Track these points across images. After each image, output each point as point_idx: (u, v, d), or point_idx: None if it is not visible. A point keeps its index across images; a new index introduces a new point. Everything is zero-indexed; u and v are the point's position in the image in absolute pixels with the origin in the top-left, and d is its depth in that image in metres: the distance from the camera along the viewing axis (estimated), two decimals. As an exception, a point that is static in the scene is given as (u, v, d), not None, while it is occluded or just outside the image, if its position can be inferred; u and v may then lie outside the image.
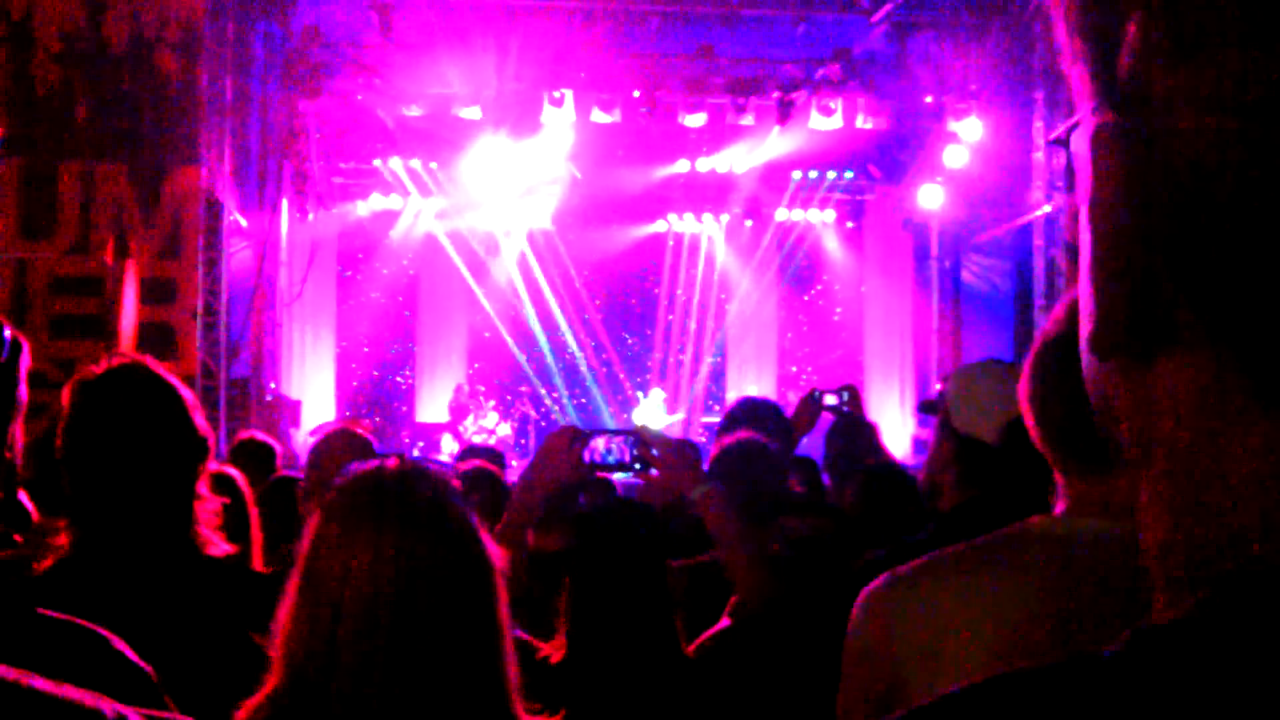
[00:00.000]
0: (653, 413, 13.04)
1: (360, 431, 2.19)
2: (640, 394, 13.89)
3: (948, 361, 12.63)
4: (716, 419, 13.53)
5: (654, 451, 1.73)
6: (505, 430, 12.71)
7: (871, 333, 14.44)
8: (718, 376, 15.05)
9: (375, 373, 14.02)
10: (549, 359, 14.77)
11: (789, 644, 1.58)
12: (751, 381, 14.15)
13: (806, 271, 14.62)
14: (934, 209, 12.05)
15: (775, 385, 14.42)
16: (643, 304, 15.41)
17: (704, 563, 1.87)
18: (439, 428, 12.52)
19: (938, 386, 10.00)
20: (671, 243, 14.64)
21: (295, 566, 1.01)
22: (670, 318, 15.02)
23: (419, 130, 10.89)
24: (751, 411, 2.42)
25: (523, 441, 12.85)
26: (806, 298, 15.00)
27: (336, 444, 2.12)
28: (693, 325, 15.03)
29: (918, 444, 11.87)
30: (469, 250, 13.76)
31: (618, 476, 2.28)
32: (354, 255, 13.52)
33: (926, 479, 1.48)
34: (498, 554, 1.05)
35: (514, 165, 11.78)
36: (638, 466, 1.77)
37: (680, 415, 13.43)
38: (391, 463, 1.10)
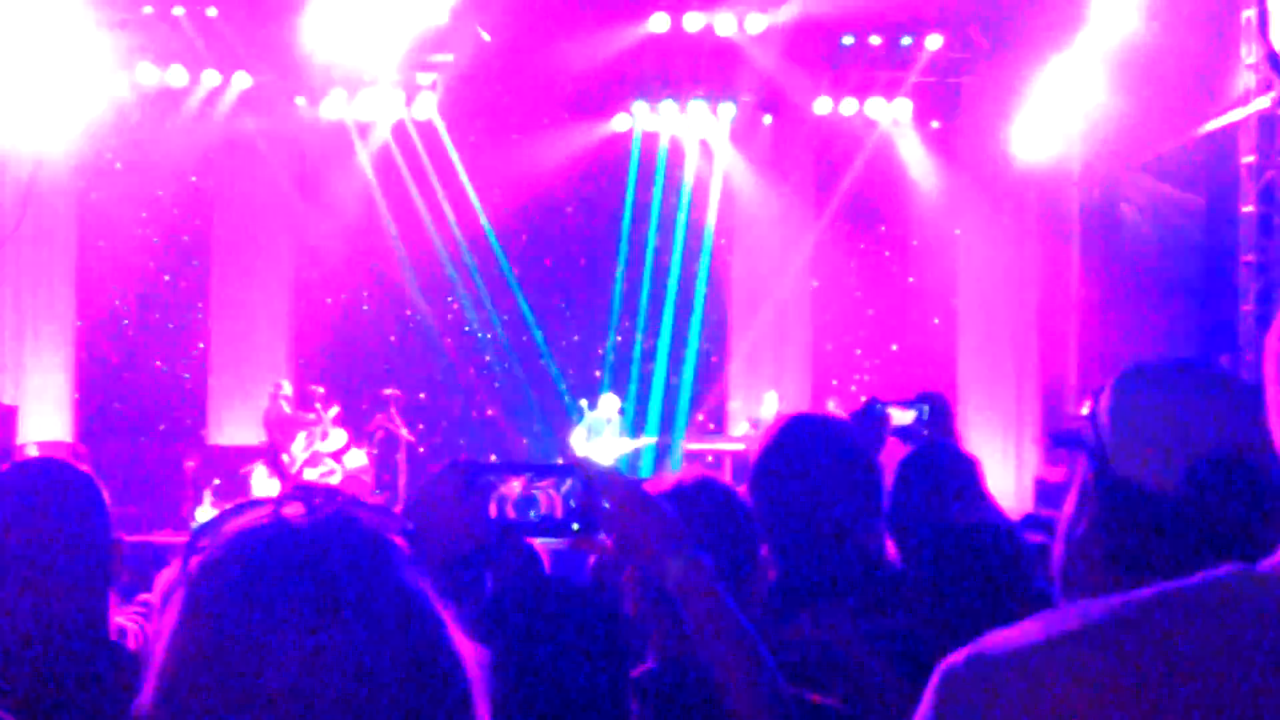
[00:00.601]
0: (604, 435, 13.24)
1: (72, 463, 2.20)
2: (584, 403, 13.84)
3: (1096, 360, 12.77)
4: (712, 445, 13.57)
5: (604, 503, 1.83)
6: (358, 460, 12.90)
7: (968, 310, 14.65)
8: (712, 375, 15.28)
9: (137, 364, 14.46)
10: (435, 343, 15.11)
11: None
12: (766, 383, 14.27)
13: (861, 203, 14.85)
14: (1073, 104, 12.39)
15: (807, 391, 14.70)
16: (590, 253, 15.72)
17: (683, 669, 1.98)
18: (247, 455, 12.76)
19: (1084, 408, 10.35)
20: (639, 151, 14.84)
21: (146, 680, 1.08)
22: (635, 278, 15.34)
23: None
24: (695, 499, 2.32)
25: (386, 478, 13.24)
26: (861, 246, 15.26)
27: None
28: (672, 291, 15.27)
29: (1043, 491, 11.86)
30: (301, 158, 14.31)
31: (543, 542, 2.49)
32: (105, 168, 13.76)
33: (1061, 550, 1.55)
34: (470, 654, 1.12)
35: (375, 16, 12.33)
36: (577, 527, 1.89)
37: (648, 439, 13.80)
38: (293, 508, 1.13)
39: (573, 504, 1.92)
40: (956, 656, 0.96)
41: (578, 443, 13.36)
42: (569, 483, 2.04)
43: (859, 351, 15.25)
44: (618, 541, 1.83)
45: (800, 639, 2.15)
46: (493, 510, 1.90)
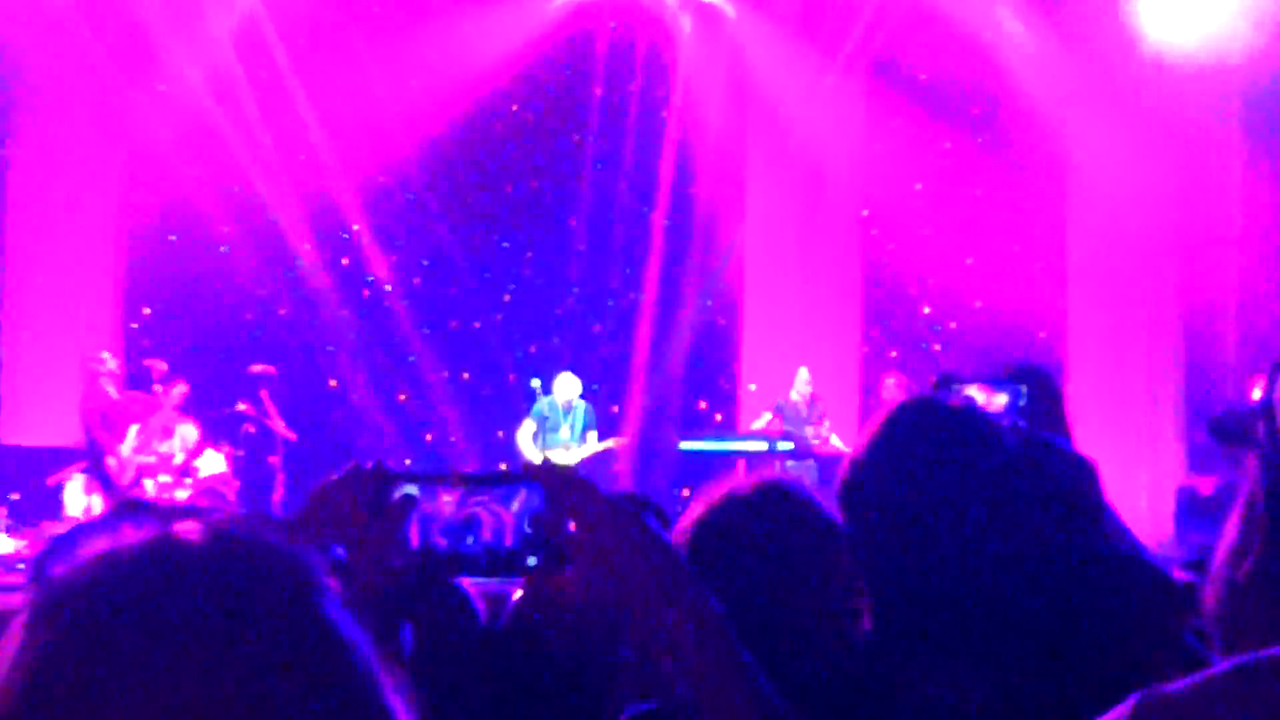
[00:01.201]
0: (561, 430, 13.60)
1: None
2: (536, 384, 14.18)
3: (1265, 324, 13.39)
4: (719, 444, 13.94)
5: (566, 524, 1.96)
6: (214, 464, 13.21)
7: (1081, 252, 15.12)
8: (719, 345, 15.86)
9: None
10: (323, 301, 15.61)
11: None
12: (795, 356, 14.54)
13: (932, 99, 15.23)
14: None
15: (855, 367, 15.21)
16: (544, 174, 16.35)
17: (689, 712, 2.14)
18: (59, 459, 13.06)
19: (1254, 390, 10.51)
20: (612, 25, 15.42)
21: None
22: (606, 208, 15.86)
23: None
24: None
25: (255, 489, 13.59)
26: (931, 161, 15.66)
27: None
28: (659, 226, 15.71)
29: (1190, 507, 11.99)
30: (132, 30, 14.35)
31: (481, 583, 2.68)
32: None
33: (1221, 592, 1.64)
34: (401, 705, 1.24)
35: None
36: (534, 561, 2.00)
37: (615, 440, 14.11)
38: (186, 526, 1.23)
39: (529, 528, 2.01)
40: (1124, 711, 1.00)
41: (525, 441, 13.49)
42: (522, 497, 2.10)
43: (928, 310, 15.54)
44: (593, 582, 1.93)
45: (910, 706, 2.25)
46: (413, 537, 1.98)
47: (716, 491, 2.47)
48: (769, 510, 2.39)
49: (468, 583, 3.12)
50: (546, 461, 2.09)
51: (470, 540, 2.11)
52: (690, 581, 1.97)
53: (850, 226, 15.17)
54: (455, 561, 2.12)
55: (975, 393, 3.54)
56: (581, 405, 13.65)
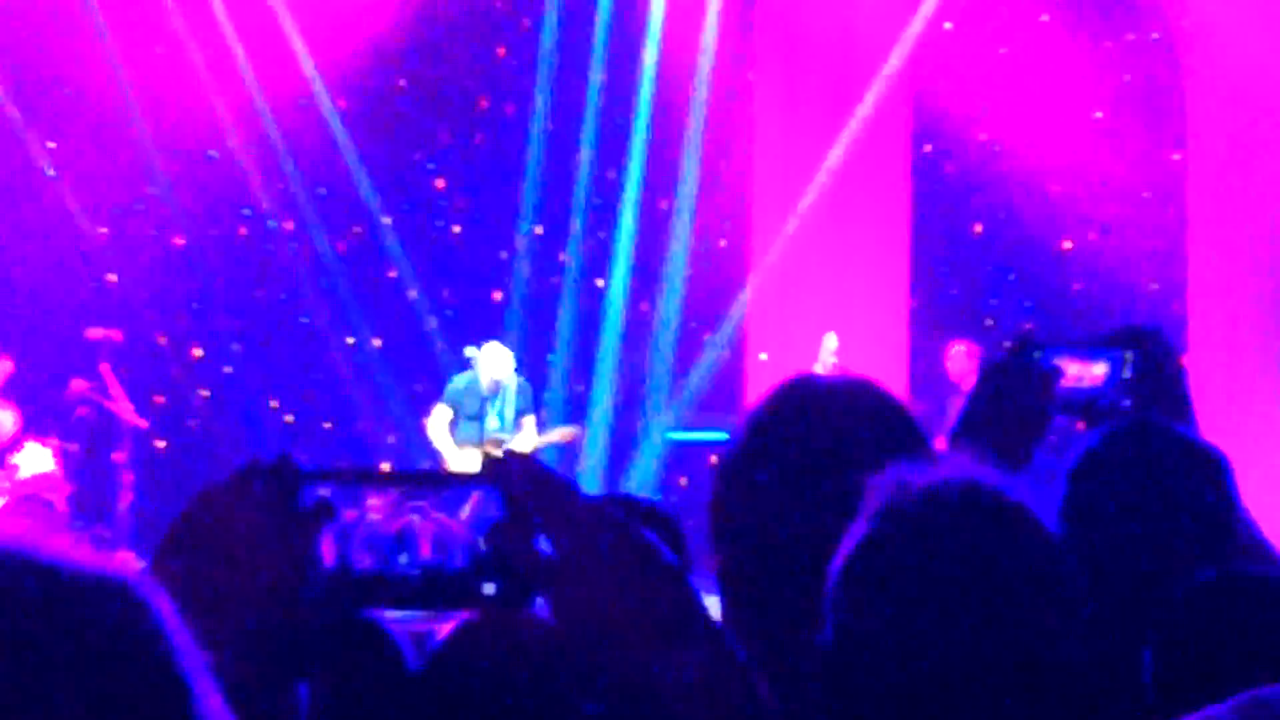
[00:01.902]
0: (489, 418, 13.90)
1: None
2: (471, 351, 14.50)
3: None
4: (706, 435, 14.48)
5: (535, 539, 2.00)
6: (40, 462, 13.34)
7: (1206, 176, 15.25)
8: (718, 299, 16.17)
9: None
10: (186, 240, 15.87)
11: None
12: (821, 320, 14.82)
13: None
14: None
15: (903, 330, 15.60)
16: (492, 93, 16.66)
17: None
18: None
19: None
20: None
21: None
22: (567, 128, 16.34)
23: None
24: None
25: (91, 492, 13.80)
26: (1003, 52, 15.82)
27: None
28: (638, 153, 16.08)
29: None
30: None
31: (411, 619, 2.75)
32: None
33: None
34: None
35: None
36: (486, 587, 2.04)
37: (565, 430, 14.66)
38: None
39: (484, 544, 2.03)
40: None
41: (437, 432, 13.64)
42: (474, 503, 2.24)
43: (1002, 254, 15.65)
44: (570, 617, 1.97)
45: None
46: (325, 555, 2.00)
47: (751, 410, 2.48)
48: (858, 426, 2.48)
49: (394, 613, 3.01)
50: (510, 454, 2.07)
51: (404, 560, 2.09)
52: (705, 616, 1.97)
53: (897, 136, 15.46)
54: (383, 588, 2.09)
55: (1069, 361, 3.71)
56: (513, 384, 13.75)
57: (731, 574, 2.64)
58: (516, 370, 13.80)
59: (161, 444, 13.98)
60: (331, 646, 2.76)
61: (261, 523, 1.98)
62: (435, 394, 14.56)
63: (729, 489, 2.65)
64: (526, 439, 13.58)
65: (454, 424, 13.49)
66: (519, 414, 13.65)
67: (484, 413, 13.54)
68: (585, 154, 16.00)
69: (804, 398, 2.69)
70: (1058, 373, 3.65)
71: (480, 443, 13.33)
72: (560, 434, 14.18)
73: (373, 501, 2.06)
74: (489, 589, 2.01)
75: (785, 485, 2.59)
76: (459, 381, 13.79)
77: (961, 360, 13.48)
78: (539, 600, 2.03)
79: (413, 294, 16.03)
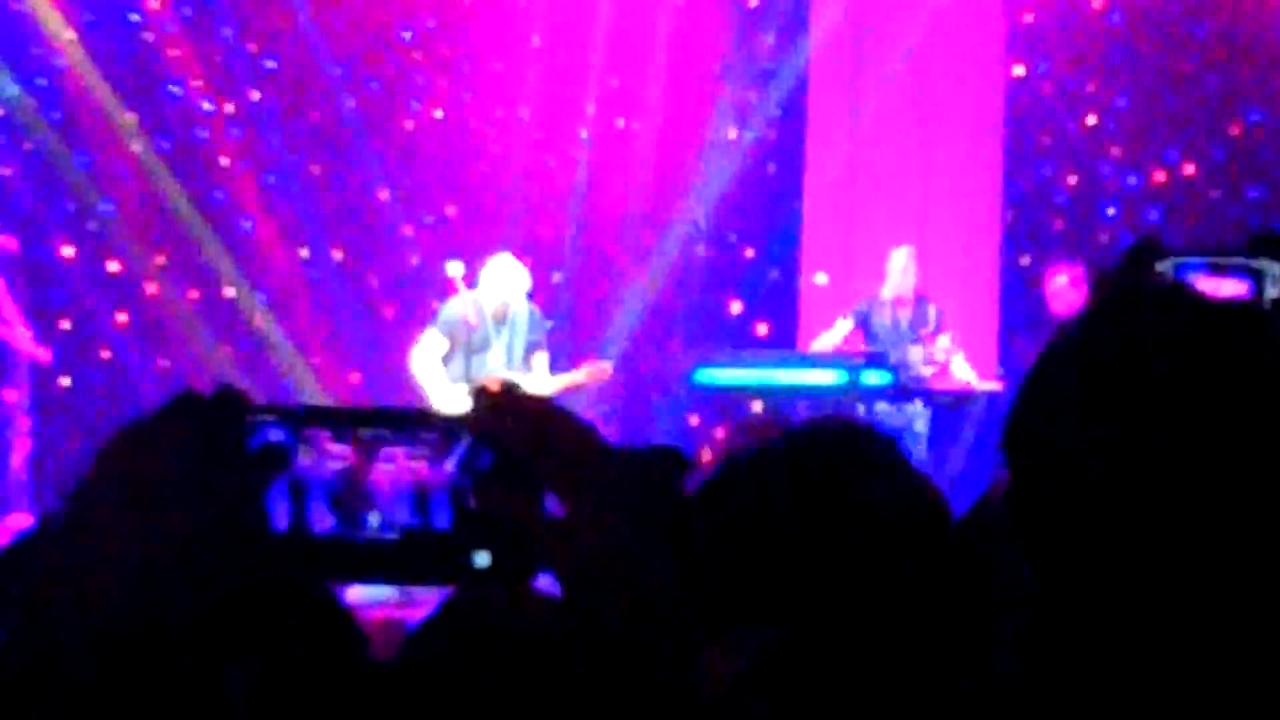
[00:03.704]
0: (492, 351, 14.10)
1: None
2: (454, 268, 14.41)
3: None
4: (747, 374, 14.38)
5: (540, 496, 2.05)
6: None
7: None
8: (765, 205, 16.52)
9: None
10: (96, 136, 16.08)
11: None
12: (890, 234, 15.07)
13: None
14: None
15: (993, 245, 15.77)
16: None
17: None
18: None
19: None
20: None
21: None
22: None
23: None
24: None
25: None
26: None
27: None
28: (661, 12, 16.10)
29: None
30: None
31: (377, 595, 3.07)
32: None
33: None
34: None
35: None
36: (478, 557, 2.07)
37: (590, 369, 14.70)
38: None
39: (474, 501, 2.04)
40: None
41: (425, 365, 13.62)
42: (461, 450, 2.12)
43: (1118, 152, 15.51)
44: (589, 596, 1.98)
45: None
46: (280, 514, 2.01)
47: (737, 449, 2.56)
48: (824, 480, 2.48)
49: (358, 594, 3.26)
50: (508, 387, 2.05)
51: (375, 521, 2.05)
52: (741, 604, 2.22)
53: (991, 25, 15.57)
54: (348, 555, 2.07)
55: (1201, 277, 3.76)
56: (524, 311, 13.72)
57: None
58: (528, 295, 13.75)
59: (67, 381, 14.27)
60: (279, 626, 2.88)
61: (196, 471, 1.95)
62: (410, 322, 14.68)
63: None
64: (539, 380, 13.51)
65: (449, 356, 13.44)
66: (529, 349, 13.62)
67: (486, 343, 13.46)
68: (594, 24, 16.19)
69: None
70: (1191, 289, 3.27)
71: (474, 379, 13.27)
72: (587, 373, 14.08)
73: (334, 448, 1.90)
74: (481, 559, 2.00)
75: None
76: (457, 305, 13.68)
77: (1065, 291, 13.50)
78: (543, 575, 2.02)
79: (383, 195, 16.12)
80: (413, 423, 2.14)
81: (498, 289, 13.57)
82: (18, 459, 13.30)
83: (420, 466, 2.07)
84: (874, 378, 13.14)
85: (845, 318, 14.04)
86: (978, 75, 16.04)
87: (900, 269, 13.87)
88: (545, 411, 1.99)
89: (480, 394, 2.03)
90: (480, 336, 13.49)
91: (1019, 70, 16.50)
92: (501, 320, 13.56)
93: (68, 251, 15.31)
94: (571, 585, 1.97)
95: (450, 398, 13.39)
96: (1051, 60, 16.17)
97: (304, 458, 2.06)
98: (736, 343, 15.62)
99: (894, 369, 13.34)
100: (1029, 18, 16.10)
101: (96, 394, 14.32)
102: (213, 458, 1.97)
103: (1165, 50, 16.04)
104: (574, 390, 14.07)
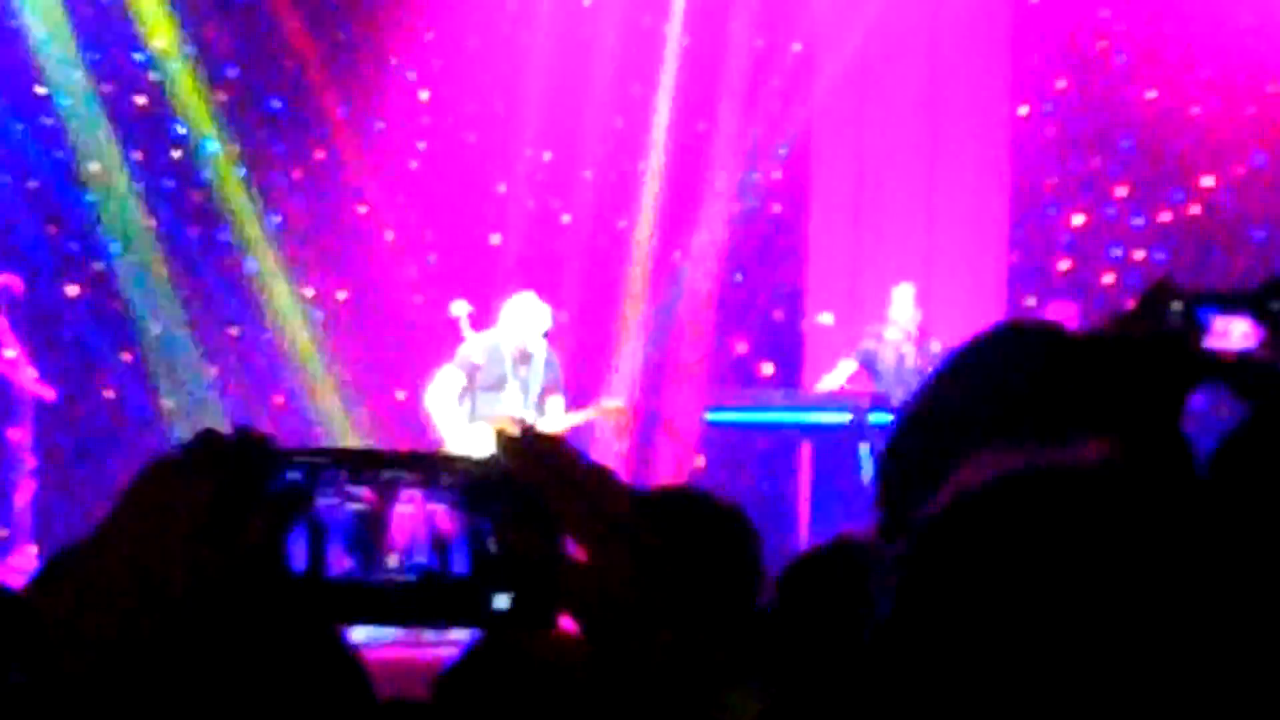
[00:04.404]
0: (507, 391, 14.07)
1: None
2: (460, 307, 14.52)
3: None
4: (754, 415, 14.35)
5: (560, 540, 2.03)
6: None
7: None
8: (772, 246, 16.64)
9: None
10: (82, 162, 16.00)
11: None
12: (894, 270, 15.03)
13: None
14: None
15: (1000, 282, 15.87)
16: None
17: None
18: None
19: None
20: None
21: None
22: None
23: None
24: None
25: None
26: None
27: None
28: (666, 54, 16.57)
29: None
30: None
31: (381, 635, 3.08)
32: None
33: None
34: None
35: None
36: (498, 599, 2.06)
37: (604, 407, 14.74)
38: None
39: (494, 545, 2.03)
40: None
41: (440, 404, 13.55)
42: (475, 493, 2.12)
43: (1124, 191, 15.39)
44: (610, 641, 1.95)
45: None
46: (299, 555, 2.00)
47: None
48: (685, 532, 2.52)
49: (361, 634, 3.20)
50: (527, 429, 2.04)
51: (393, 562, 2.03)
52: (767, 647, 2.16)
53: (991, 30, 15.41)
54: (366, 598, 2.06)
55: (1213, 317, 3.49)
56: (542, 352, 13.63)
57: None
58: (544, 335, 13.69)
59: (71, 420, 14.13)
60: (295, 668, 2.80)
61: (218, 510, 1.93)
62: (413, 363, 14.67)
63: None
64: (553, 422, 13.42)
65: (464, 394, 13.39)
66: (544, 390, 13.59)
67: (503, 381, 13.42)
68: (602, 60, 16.24)
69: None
70: (1201, 330, 3.39)
71: (489, 419, 13.22)
72: (600, 411, 14.10)
73: (353, 490, 1.91)
74: (500, 601, 1.98)
75: None
76: (477, 344, 13.66)
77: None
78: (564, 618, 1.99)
79: (389, 236, 16.04)
80: (432, 465, 2.16)
81: (519, 328, 13.53)
82: (22, 498, 13.25)
83: (439, 509, 2.09)
84: (877, 418, 13.14)
85: (848, 358, 14.01)
86: (982, 115, 16.11)
87: (904, 305, 13.87)
88: (564, 454, 1.98)
89: (499, 436, 2.05)
90: (497, 375, 13.45)
91: (1024, 110, 16.57)
92: (521, 361, 13.52)
93: (72, 290, 15.28)
94: (592, 628, 1.97)
95: (465, 436, 13.34)
96: (1056, 101, 16.25)
97: (323, 499, 2.07)
98: (742, 383, 15.61)
99: (897, 410, 13.31)
100: (1034, 58, 16.16)
101: (100, 434, 14.27)
102: (234, 498, 1.98)
103: (1169, 91, 16.08)
104: (588, 428, 14.13)
